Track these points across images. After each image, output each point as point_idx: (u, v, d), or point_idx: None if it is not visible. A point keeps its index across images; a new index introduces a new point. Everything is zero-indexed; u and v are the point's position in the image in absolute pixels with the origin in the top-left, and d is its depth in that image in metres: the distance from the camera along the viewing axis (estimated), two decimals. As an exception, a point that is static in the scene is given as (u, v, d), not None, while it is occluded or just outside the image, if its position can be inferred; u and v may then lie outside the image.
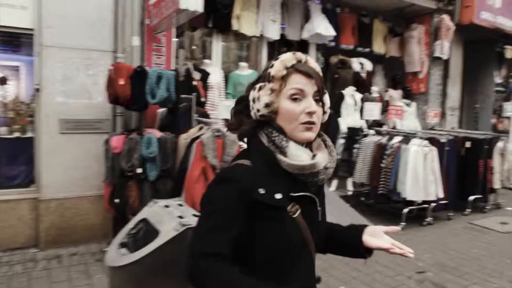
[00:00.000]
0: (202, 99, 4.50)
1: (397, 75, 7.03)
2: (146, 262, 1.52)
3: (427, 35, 6.65)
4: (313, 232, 1.14)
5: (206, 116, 4.24)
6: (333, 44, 6.03)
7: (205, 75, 4.65)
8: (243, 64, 5.24)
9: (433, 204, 5.18)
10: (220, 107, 4.32)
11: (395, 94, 6.67)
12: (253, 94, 1.14)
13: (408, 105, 6.61)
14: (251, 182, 1.07)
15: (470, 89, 7.55)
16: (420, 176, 4.94)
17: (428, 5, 6.44)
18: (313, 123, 1.10)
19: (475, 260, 4.09)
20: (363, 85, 6.31)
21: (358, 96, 6.01)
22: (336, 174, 5.67)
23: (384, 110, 6.21)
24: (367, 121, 6.01)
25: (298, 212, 1.10)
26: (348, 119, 5.83)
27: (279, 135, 1.11)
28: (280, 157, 1.10)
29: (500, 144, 5.96)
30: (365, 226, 1.28)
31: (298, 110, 1.09)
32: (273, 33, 5.39)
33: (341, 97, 5.89)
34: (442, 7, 6.57)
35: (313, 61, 1.16)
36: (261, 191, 1.07)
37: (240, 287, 1.01)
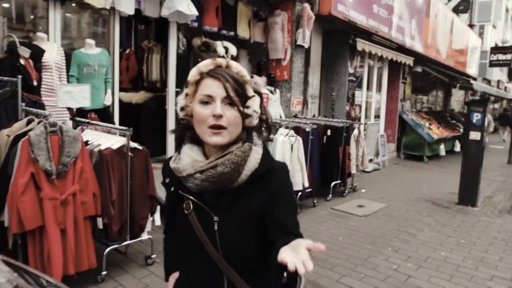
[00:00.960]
0: (34, 83, 3.56)
1: (261, 61, 6.88)
2: None
3: (290, 23, 6.63)
4: (212, 238, 1.12)
5: (40, 105, 3.34)
6: (195, 24, 5.53)
7: (37, 52, 3.68)
8: (89, 41, 4.34)
9: (299, 194, 5.17)
10: (59, 93, 3.44)
11: (260, 81, 6.52)
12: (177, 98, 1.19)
13: (272, 92, 6.54)
14: (167, 171, 1.22)
15: (327, 78, 7.91)
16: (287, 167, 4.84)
17: (290, -8, 6.40)
18: (220, 126, 1.08)
19: (342, 249, 4.14)
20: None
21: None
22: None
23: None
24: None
25: (190, 210, 1.14)
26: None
27: (187, 138, 1.18)
28: (173, 156, 1.19)
29: (355, 132, 6.32)
30: (296, 237, 0.99)
31: (206, 113, 1.09)
32: (127, 7, 4.61)
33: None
34: (304, -5, 6.61)
35: (236, 67, 1.14)
36: (167, 180, 1.24)
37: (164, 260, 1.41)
